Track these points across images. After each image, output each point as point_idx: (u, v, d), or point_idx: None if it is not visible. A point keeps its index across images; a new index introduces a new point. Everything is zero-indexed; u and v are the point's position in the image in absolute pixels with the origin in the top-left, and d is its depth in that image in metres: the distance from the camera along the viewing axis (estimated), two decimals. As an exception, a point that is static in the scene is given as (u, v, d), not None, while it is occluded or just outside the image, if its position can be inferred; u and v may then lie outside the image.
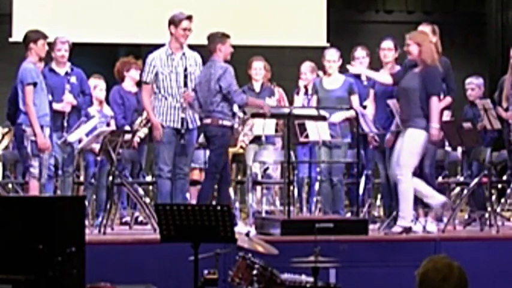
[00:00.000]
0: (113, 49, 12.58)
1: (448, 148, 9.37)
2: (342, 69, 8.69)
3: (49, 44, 8.05)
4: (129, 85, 9.31)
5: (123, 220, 9.15)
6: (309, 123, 8.54)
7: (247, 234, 5.95)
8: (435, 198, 7.54)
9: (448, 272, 3.40)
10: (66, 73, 8.34)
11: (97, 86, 9.16)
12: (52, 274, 5.09)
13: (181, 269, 6.24)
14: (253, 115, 8.32)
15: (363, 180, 8.62)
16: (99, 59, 12.21)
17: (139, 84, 8.93)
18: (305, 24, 12.89)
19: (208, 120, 7.79)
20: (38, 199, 6.23)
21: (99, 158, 8.52)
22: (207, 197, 7.80)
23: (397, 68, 8.15)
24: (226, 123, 7.78)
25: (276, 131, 9.10)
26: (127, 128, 9.00)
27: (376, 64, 8.71)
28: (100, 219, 8.21)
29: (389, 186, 8.02)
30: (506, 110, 8.54)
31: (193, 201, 8.94)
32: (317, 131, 8.49)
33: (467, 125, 8.12)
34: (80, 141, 8.46)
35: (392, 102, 7.87)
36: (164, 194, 7.76)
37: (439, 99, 7.55)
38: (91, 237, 6.94)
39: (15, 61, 8.20)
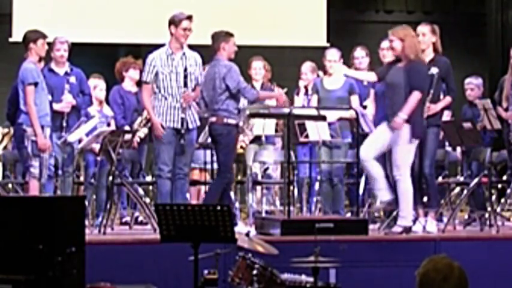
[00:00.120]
0: (113, 49, 12.59)
1: (448, 148, 9.37)
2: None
3: (48, 44, 8.05)
4: (129, 85, 9.31)
5: (123, 220, 9.15)
6: (309, 123, 8.55)
7: (247, 234, 5.95)
8: (384, 193, 7.53)
9: (448, 272, 3.40)
10: (66, 73, 8.33)
11: (97, 86, 9.16)
12: (52, 274, 5.09)
13: (181, 269, 6.24)
14: (253, 115, 8.32)
15: (363, 180, 8.61)
16: (99, 59, 12.21)
17: (139, 84, 8.93)
18: (305, 24, 12.89)
19: (213, 119, 7.83)
20: (38, 199, 6.23)
21: (99, 158, 8.51)
22: (215, 196, 7.77)
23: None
24: (232, 121, 7.81)
25: (276, 131, 9.10)
26: (127, 128, 9.00)
27: (376, 64, 8.71)
28: (100, 219, 8.21)
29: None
30: (506, 110, 8.54)
31: (194, 201, 8.96)
32: (317, 131, 8.50)
33: (467, 125, 8.12)
34: (80, 141, 8.46)
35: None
36: (164, 194, 7.75)
37: (422, 94, 7.49)
38: (91, 237, 6.94)
39: (15, 61, 8.20)
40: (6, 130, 10.20)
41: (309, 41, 12.67)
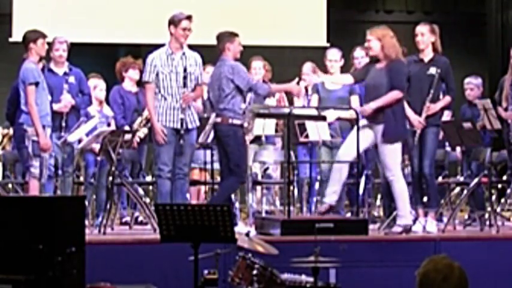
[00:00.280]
0: (113, 49, 12.59)
1: (448, 148, 9.37)
2: (344, 70, 8.69)
3: (47, 44, 8.05)
4: (129, 85, 9.31)
5: (123, 220, 9.15)
6: (309, 123, 8.55)
7: (247, 234, 5.95)
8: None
9: (448, 272, 3.40)
10: (65, 73, 8.33)
11: (97, 86, 9.16)
12: (52, 274, 5.09)
13: (181, 269, 6.23)
14: (257, 115, 8.30)
15: (363, 180, 8.62)
16: (99, 59, 12.21)
17: (139, 84, 8.93)
18: (305, 24, 12.90)
19: (218, 119, 7.80)
20: (38, 199, 6.23)
21: (99, 158, 8.51)
22: (225, 196, 7.75)
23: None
24: (236, 121, 7.78)
25: (276, 131, 9.10)
26: (127, 128, 9.00)
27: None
28: (100, 219, 8.21)
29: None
30: (506, 109, 8.54)
31: (193, 201, 8.96)
32: (317, 131, 8.50)
33: (467, 125, 8.12)
34: (79, 141, 8.46)
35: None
36: (164, 194, 7.75)
37: (402, 93, 7.48)
38: (91, 237, 6.94)
39: (15, 61, 8.20)
40: (6, 131, 10.20)
41: (309, 41, 12.68)
